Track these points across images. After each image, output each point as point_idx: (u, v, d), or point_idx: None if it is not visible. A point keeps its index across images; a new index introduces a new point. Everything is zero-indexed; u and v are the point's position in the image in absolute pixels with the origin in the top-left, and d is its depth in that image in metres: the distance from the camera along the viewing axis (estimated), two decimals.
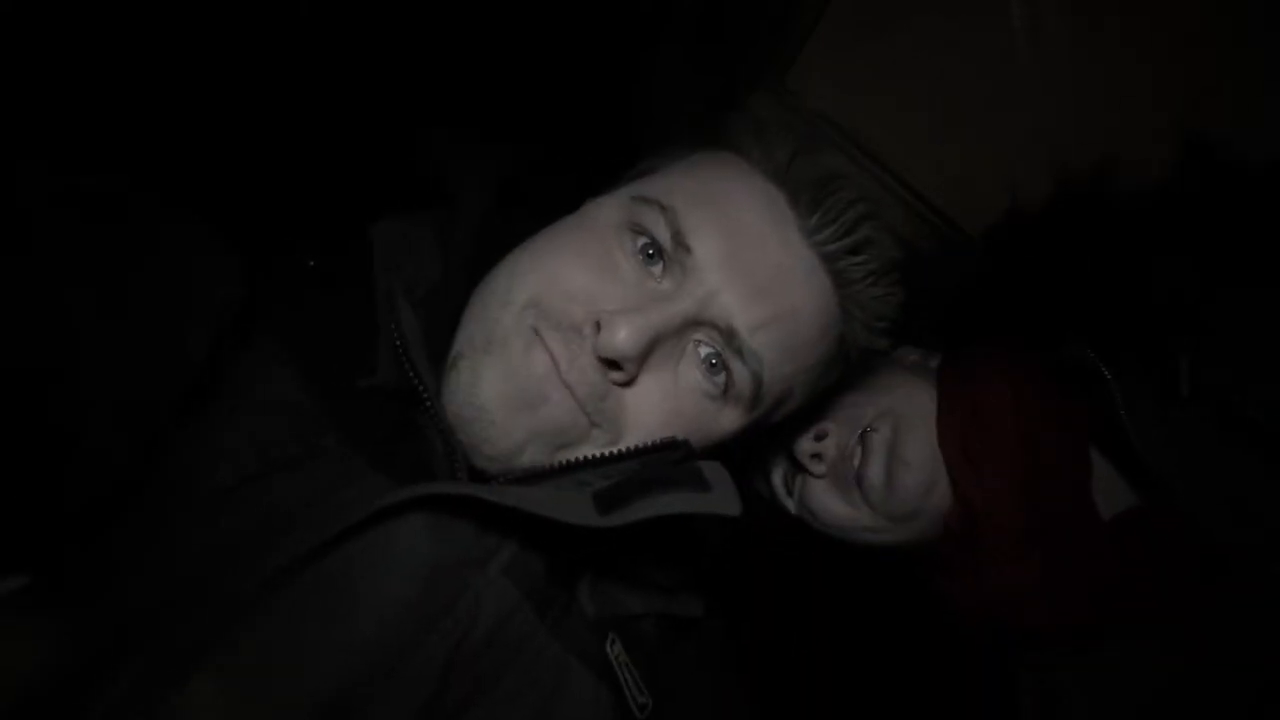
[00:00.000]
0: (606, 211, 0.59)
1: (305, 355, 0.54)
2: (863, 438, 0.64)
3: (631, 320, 0.52)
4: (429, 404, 0.53)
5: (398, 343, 0.53)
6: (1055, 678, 0.62)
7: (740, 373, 0.56)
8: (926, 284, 1.01)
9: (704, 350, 0.56)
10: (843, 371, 0.64)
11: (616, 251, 0.56)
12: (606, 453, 0.54)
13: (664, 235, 0.55)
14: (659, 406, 0.55)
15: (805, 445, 0.65)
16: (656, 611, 0.59)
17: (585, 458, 0.54)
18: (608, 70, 1.23)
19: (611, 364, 0.53)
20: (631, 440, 0.55)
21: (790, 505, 0.71)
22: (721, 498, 0.49)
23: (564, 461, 0.54)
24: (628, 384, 0.55)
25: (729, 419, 0.59)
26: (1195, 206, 0.68)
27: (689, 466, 0.52)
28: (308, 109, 0.81)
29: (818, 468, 0.65)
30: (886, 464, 0.62)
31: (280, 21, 0.82)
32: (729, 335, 0.55)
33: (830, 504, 0.65)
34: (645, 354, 0.53)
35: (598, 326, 0.53)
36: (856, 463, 0.64)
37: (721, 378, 0.56)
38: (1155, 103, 1.02)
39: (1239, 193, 0.69)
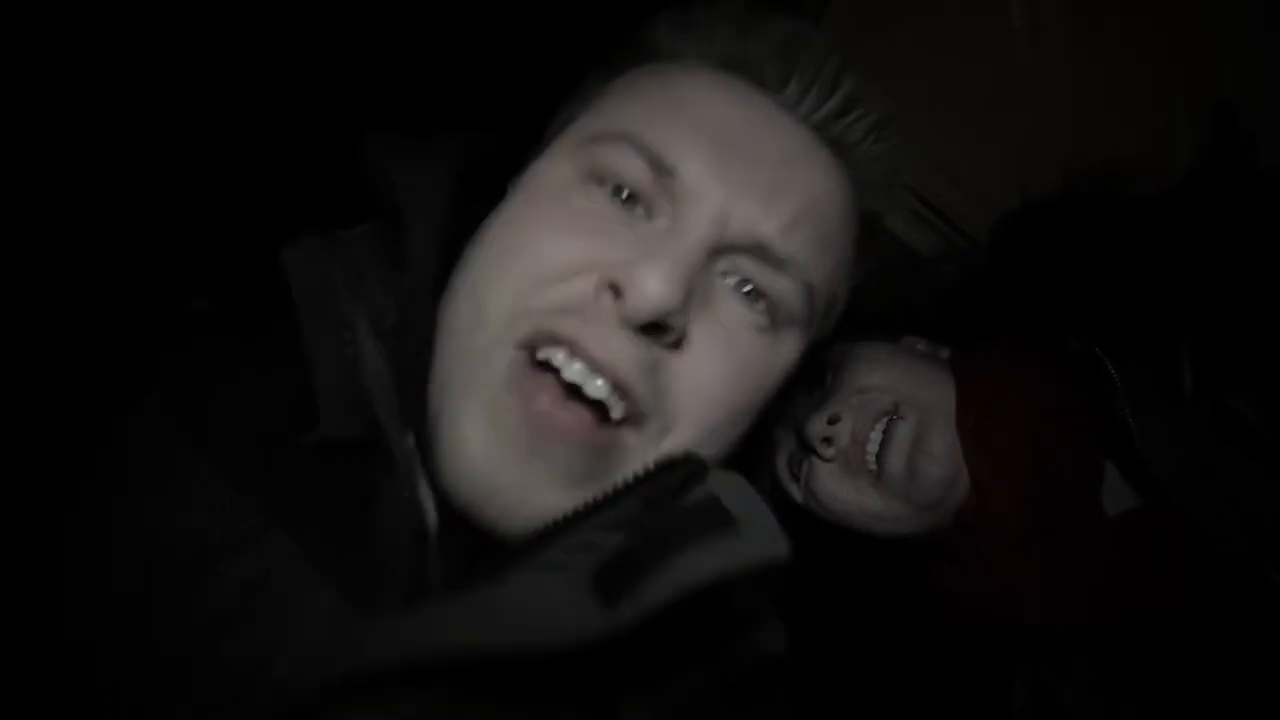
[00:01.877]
0: (556, 170, 0.48)
1: (212, 422, 0.44)
2: (888, 425, 0.62)
3: (656, 265, 0.41)
4: (397, 459, 0.43)
5: (366, 385, 0.43)
6: (1050, 677, 0.62)
7: (785, 288, 0.47)
8: (933, 284, 1.00)
9: (731, 280, 0.47)
10: (877, 257, 0.57)
11: (588, 207, 0.46)
12: (594, 499, 0.41)
13: (636, 168, 0.45)
14: (720, 361, 0.45)
15: (817, 428, 0.63)
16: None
17: (567, 516, 0.41)
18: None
19: (653, 327, 0.43)
20: (687, 427, 0.45)
21: (795, 491, 0.68)
22: (760, 536, 0.37)
23: (547, 528, 0.41)
24: (677, 344, 0.44)
25: (789, 347, 0.49)
26: (1198, 207, 0.68)
27: (703, 498, 0.39)
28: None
29: (827, 451, 0.63)
30: (909, 455, 0.61)
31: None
32: (760, 251, 0.46)
33: (836, 489, 0.64)
34: (687, 300, 0.43)
35: (615, 291, 0.42)
36: (872, 449, 0.63)
37: (762, 304, 0.47)
38: (1155, 103, 1.02)
39: (1240, 195, 0.69)
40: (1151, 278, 0.67)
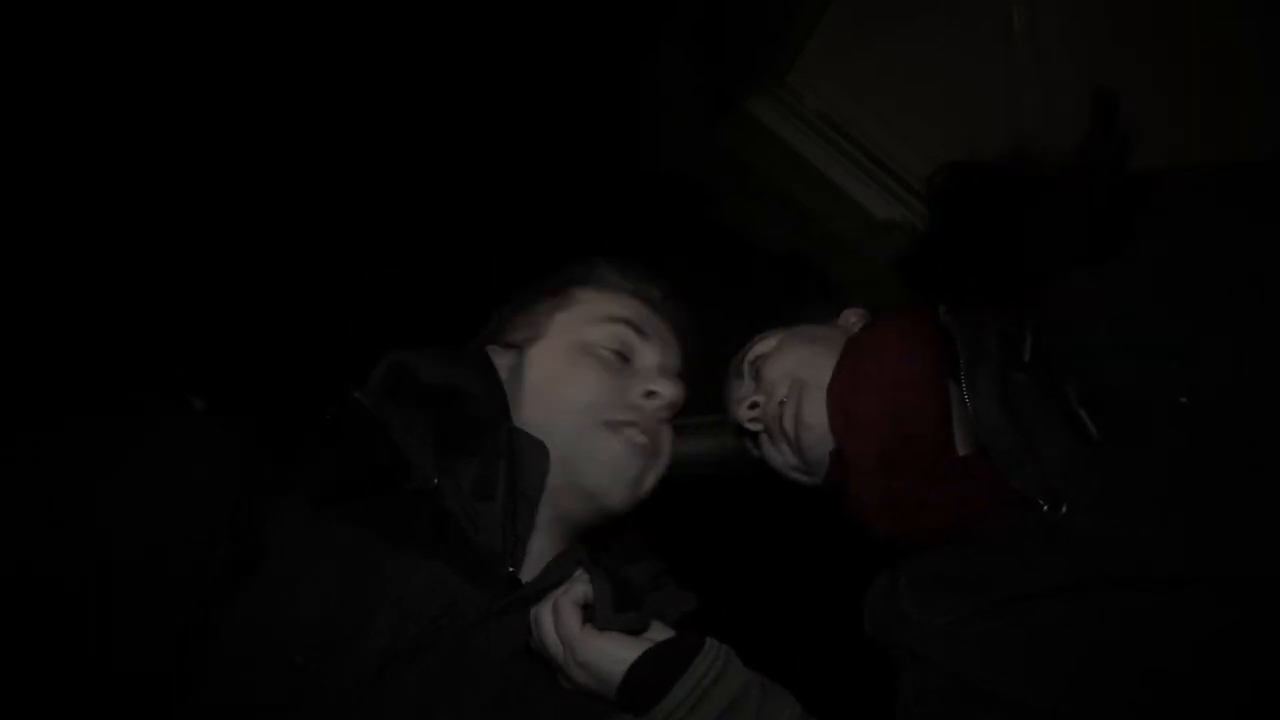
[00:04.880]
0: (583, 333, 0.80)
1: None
2: (782, 403, 0.80)
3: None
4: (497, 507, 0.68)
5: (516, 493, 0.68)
6: (897, 574, 0.74)
7: None
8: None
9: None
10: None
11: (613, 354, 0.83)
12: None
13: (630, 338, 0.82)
14: None
15: (742, 412, 0.82)
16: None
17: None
18: (610, 73, 1.24)
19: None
20: None
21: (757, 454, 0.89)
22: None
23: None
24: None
25: None
26: (1064, 191, 0.71)
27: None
28: None
29: (755, 426, 0.83)
30: (795, 427, 0.78)
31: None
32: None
33: (771, 453, 0.83)
34: None
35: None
36: (781, 423, 0.81)
37: None
38: (1154, 102, 1.01)
39: (1098, 185, 0.72)
40: (1018, 254, 0.72)
